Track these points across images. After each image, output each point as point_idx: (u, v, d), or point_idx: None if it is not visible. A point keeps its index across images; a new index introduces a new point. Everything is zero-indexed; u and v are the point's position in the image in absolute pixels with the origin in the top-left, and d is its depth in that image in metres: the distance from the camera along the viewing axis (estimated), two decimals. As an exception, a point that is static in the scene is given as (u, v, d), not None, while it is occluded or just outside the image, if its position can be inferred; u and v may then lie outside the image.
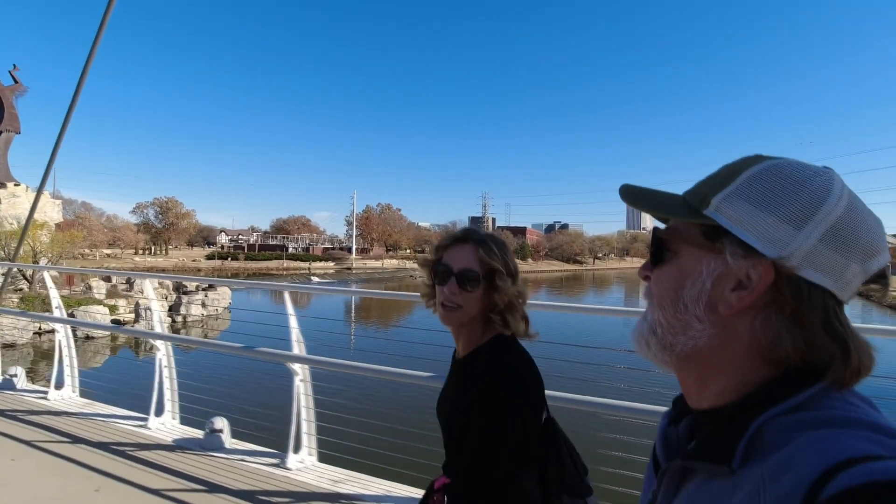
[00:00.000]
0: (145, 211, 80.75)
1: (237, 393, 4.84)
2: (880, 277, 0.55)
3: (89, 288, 29.05)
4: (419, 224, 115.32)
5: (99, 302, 26.45)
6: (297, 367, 3.66)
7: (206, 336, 24.59)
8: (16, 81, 29.84)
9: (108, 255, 65.37)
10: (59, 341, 4.92)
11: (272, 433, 4.10)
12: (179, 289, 31.30)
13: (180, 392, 4.43)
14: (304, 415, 3.71)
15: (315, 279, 59.07)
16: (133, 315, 26.74)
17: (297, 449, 3.67)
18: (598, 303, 49.16)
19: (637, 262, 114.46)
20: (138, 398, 4.94)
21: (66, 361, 4.95)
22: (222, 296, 30.06)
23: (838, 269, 0.53)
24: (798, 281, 0.53)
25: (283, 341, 3.79)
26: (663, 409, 2.62)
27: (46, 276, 5.12)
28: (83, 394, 5.01)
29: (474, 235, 1.38)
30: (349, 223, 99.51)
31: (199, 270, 63.73)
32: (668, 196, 0.63)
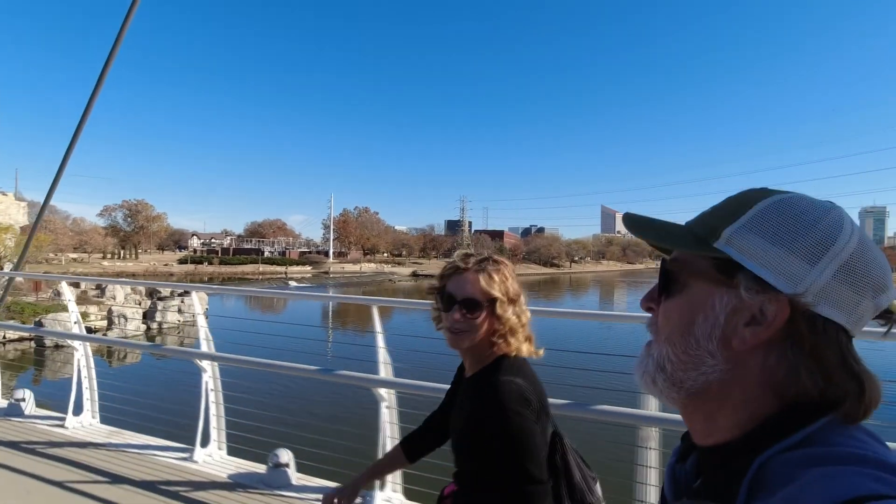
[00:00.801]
0: (113, 214, 77.77)
1: (284, 417, 4.26)
2: (888, 312, 0.55)
3: (58, 294, 27.38)
4: (396, 227, 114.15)
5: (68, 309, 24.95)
6: (383, 392, 3.19)
7: (181, 343, 23.41)
8: None
9: (75, 260, 62.52)
10: (78, 360, 4.30)
11: (340, 464, 3.60)
12: (153, 294, 29.92)
13: (227, 418, 3.88)
14: (388, 446, 3.23)
15: (293, 283, 57.67)
16: (105, 322, 25.25)
17: (382, 486, 3.20)
18: (577, 306, 49.45)
19: (613, 266, 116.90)
20: (168, 424, 4.36)
21: (84, 384, 4.33)
22: (199, 301, 28.81)
23: (851, 305, 0.53)
24: (814, 317, 0.53)
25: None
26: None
27: (65, 287, 4.46)
28: (104, 420, 4.40)
29: (475, 264, 1.44)
30: (326, 227, 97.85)
31: (171, 275, 61.47)
32: (673, 226, 0.63)
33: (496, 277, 1.42)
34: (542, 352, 1.50)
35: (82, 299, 28.34)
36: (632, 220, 0.65)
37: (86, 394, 4.28)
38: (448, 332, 1.44)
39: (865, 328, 0.55)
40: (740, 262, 0.55)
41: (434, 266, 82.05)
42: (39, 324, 20.66)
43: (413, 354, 3.70)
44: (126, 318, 25.44)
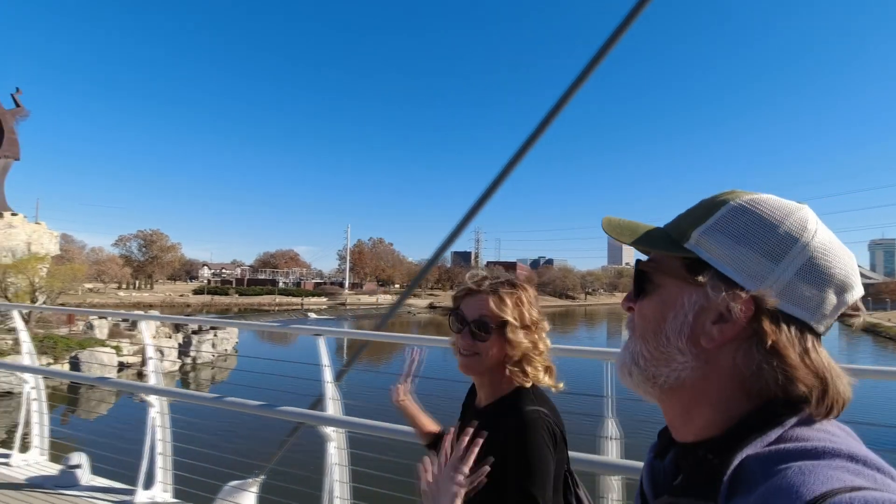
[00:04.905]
0: (128, 244, 78.96)
1: (233, 458, 3.93)
2: (855, 309, 0.56)
3: (90, 327, 27.03)
4: (407, 259, 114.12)
5: (102, 342, 24.18)
6: (330, 431, 2.91)
7: (213, 379, 22.86)
8: (17, 105, 27.71)
9: (91, 290, 63.33)
10: (28, 394, 4.09)
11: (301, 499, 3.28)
12: (179, 328, 29.49)
13: (175, 458, 3.61)
14: (337, 491, 2.94)
15: (312, 315, 57.38)
16: (140, 357, 24.18)
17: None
18: (593, 342, 48.48)
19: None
20: (121, 464, 4.08)
21: (34, 418, 4.11)
22: (230, 335, 28.70)
23: (815, 302, 0.54)
24: (777, 314, 0.54)
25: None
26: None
27: (16, 315, 4.28)
28: (53, 458, 4.15)
29: (488, 285, 1.38)
30: (341, 257, 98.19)
31: (188, 306, 61.88)
32: (650, 229, 0.64)
33: (509, 301, 1.36)
34: (562, 385, 1.42)
35: (115, 332, 27.72)
36: (611, 225, 0.66)
37: (35, 429, 4.05)
38: (458, 355, 1.40)
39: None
40: (708, 262, 0.57)
41: (450, 298, 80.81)
42: (76, 359, 20.11)
43: (373, 393, 3.41)
44: (163, 354, 24.51)
